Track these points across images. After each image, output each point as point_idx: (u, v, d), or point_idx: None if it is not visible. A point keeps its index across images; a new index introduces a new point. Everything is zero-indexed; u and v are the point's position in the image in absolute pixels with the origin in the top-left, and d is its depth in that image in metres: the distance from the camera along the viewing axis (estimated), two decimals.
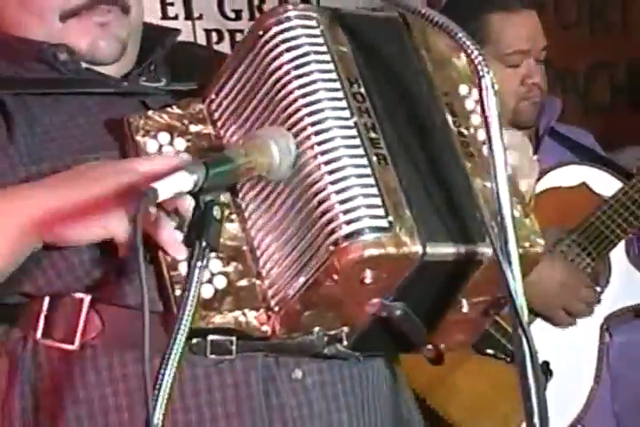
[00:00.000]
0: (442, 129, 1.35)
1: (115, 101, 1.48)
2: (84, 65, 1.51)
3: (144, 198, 1.12)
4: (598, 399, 2.40)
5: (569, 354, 2.39)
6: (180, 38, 1.69)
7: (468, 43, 1.20)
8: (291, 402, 1.40)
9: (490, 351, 2.16)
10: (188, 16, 3.12)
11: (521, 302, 1.18)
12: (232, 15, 3.25)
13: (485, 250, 1.28)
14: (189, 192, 1.17)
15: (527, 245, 1.30)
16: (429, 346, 1.39)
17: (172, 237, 1.31)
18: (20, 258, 1.35)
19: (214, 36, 3.15)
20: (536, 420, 1.16)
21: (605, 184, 2.47)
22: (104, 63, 1.52)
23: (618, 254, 2.47)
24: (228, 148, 1.36)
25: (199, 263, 1.16)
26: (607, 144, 2.80)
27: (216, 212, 1.20)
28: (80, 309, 1.38)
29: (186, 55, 1.63)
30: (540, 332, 2.34)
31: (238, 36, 3.14)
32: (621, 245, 2.46)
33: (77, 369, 1.38)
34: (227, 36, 3.21)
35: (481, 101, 1.19)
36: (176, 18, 3.10)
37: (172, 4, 3.10)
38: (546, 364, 2.29)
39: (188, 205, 1.23)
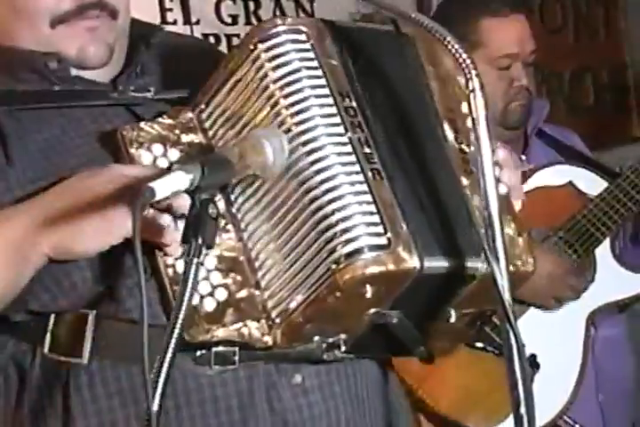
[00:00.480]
0: (436, 141, 1.34)
1: (105, 111, 1.47)
2: (73, 72, 1.49)
3: (141, 197, 1.11)
4: (584, 390, 2.40)
5: (556, 347, 2.39)
6: None
7: (456, 46, 1.20)
8: (292, 406, 1.41)
9: (480, 345, 2.16)
10: (187, 21, 3.12)
11: (509, 300, 1.19)
12: (229, 20, 3.24)
13: (479, 265, 1.28)
14: (186, 191, 1.17)
15: (519, 263, 1.30)
16: (421, 349, 1.40)
17: (170, 238, 1.30)
18: (25, 278, 1.35)
19: (212, 41, 3.13)
20: (522, 410, 1.16)
21: (591, 183, 2.47)
22: (93, 68, 1.50)
23: (603, 252, 2.47)
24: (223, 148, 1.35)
25: (195, 259, 1.15)
26: (591, 144, 2.80)
27: (212, 210, 1.19)
28: (85, 324, 1.37)
29: (177, 51, 1.60)
30: (529, 326, 2.34)
31: (235, 40, 3.14)
32: (606, 243, 2.46)
33: (85, 382, 1.37)
34: (224, 40, 3.20)
35: (469, 102, 1.19)
36: (175, 23, 3.09)
37: (170, 10, 3.09)
38: (533, 357, 2.30)
39: (184, 203, 1.23)
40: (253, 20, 3.26)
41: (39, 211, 1.33)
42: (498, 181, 1.28)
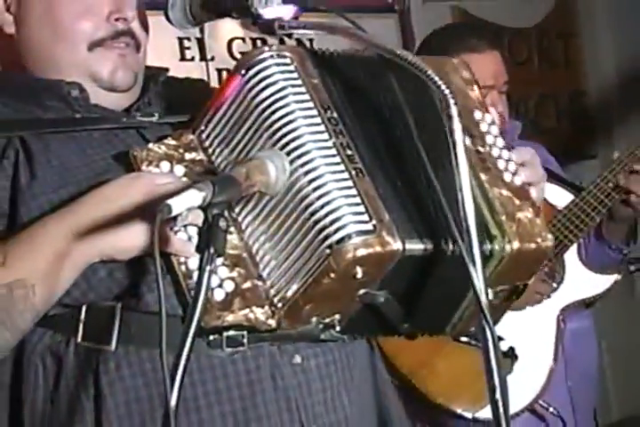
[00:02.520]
0: (409, 141, 1.33)
1: (117, 133, 1.47)
2: (92, 101, 1.49)
3: (159, 214, 1.12)
4: (555, 377, 2.39)
5: (531, 341, 2.39)
6: (195, 76, 1.67)
7: (435, 79, 1.20)
8: (293, 383, 1.41)
9: (464, 339, 2.15)
10: (203, 58, 3.13)
11: (484, 299, 1.17)
12: (239, 56, 3.22)
13: (449, 247, 1.28)
14: (199, 207, 1.17)
15: (539, 240, 1.31)
16: (405, 325, 1.38)
17: (184, 246, 1.31)
18: (68, 282, 1.36)
19: (224, 75, 3.14)
20: (498, 395, 1.16)
21: (559, 197, 2.45)
22: (120, 90, 1.51)
23: (571, 256, 2.47)
24: (220, 170, 1.36)
25: (208, 267, 1.16)
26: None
27: (222, 223, 1.19)
28: (113, 315, 1.37)
29: (178, 89, 1.61)
30: (509, 323, 2.32)
31: None
32: (574, 249, 2.45)
33: (113, 365, 1.37)
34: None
35: (449, 126, 1.19)
36: (192, 59, 3.12)
37: (189, 48, 3.11)
38: (512, 349, 2.29)
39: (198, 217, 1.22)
40: None
41: (77, 220, 1.33)
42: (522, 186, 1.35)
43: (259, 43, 3.25)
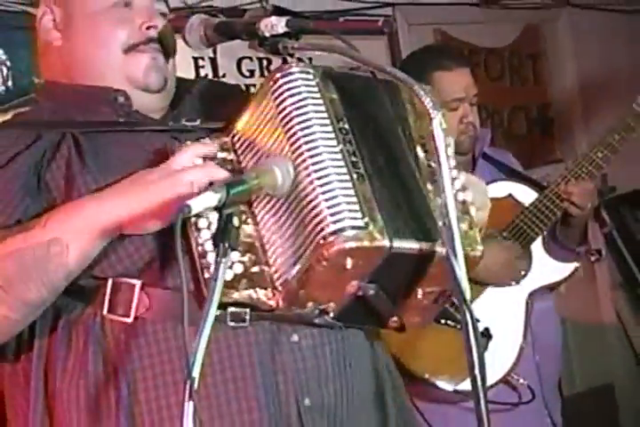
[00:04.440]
0: (405, 155, 1.34)
1: (154, 136, 1.47)
2: (134, 108, 1.50)
3: (181, 213, 1.14)
4: (525, 353, 2.38)
5: (504, 322, 2.37)
6: None
7: (421, 93, 1.21)
8: (289, 359, 1.40)
9: (444, 321, 2.15)
10: (215, 75, 3.11)
11: (465, 287, 1.18)
12: (247, 73, 3.23)
13: (438, 248, 1.27)
14: (215, 207, 1.18)
15: (469, 249, 1.29)
16: (394, 318, 1.37)
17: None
18: (98, 250, 1.37)
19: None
20: (476, 371, 1.17)
21: (526, 195, 2.45)
22: (152, 90, 1.51)
23: (536, 247, 2.45)
24: (245, 171, 1.35)
25: (224, 259, 1.18)
26: (524, 164, 2.81)
27: (235, 221, 1.21)
28: (133, 291, 1.37)
29: (216, 94, 1.62)
30: (484, 306, 2.33)
31: (252, 89, 3.12)
32: (539, 240, 2.44)
33: (133, 335, 1.37)
34: (244, 88, 3.20)
35: (432, 134, 1.20)
36: (206, 76, 3.09)
37: (203, 67, 3.09)
38: (487, 329, 2.29)
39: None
40: (266, 73, 3.26)
41: (111, 198, 1.34)
42: (463, 201, 1.33)
43: (264, 62, 3.25)
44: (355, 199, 1.24)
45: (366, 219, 1.23)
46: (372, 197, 1.26)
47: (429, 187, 1.32)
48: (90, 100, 1.50)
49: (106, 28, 1.50)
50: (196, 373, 1.12)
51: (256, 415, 1.37)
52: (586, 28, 4.21)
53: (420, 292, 1.34)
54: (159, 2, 1.55)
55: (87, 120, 1.50)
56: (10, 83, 2.73)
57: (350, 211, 1.23)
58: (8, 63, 2.74)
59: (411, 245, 1.26)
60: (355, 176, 1.26)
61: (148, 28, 1.51)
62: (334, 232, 1.22)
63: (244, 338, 1.38)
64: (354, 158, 1.28)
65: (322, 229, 1.23)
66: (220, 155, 1.39)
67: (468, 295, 1.18)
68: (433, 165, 1.34)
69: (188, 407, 1.10)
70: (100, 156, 1.43)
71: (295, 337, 1.41)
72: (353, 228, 1.22)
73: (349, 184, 1.25)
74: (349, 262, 1.24)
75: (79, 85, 1.52)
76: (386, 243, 1.23)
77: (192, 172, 1.32)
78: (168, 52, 1.54)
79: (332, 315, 1.35)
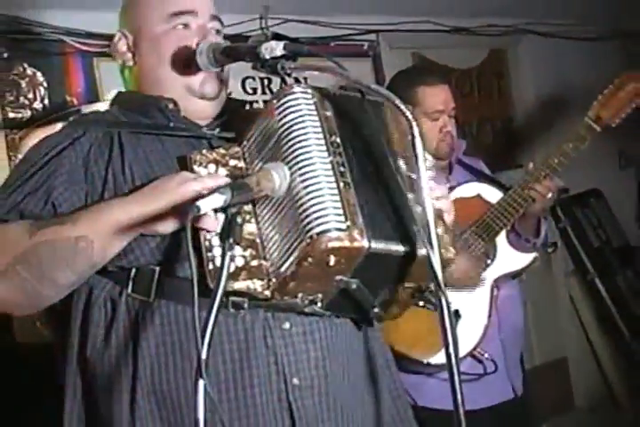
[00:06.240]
0: (389, 166, 1.32)
1: (193, 140, 1.49)
2: (182, 113, 1.52)
3: (190, 212, 1.14)
4: (490, 332, 2.37)
5: (472, 304, 2.37)
6: None
7: (401, 106, 1.20)
8: (280, 343, 1.39)
9: (421, 303, 2.13)
10: None
11: (440, 275, 1.19)
12: (251, 91, 3.23)
13: (415, 250, 1.26)
14: (221, 207, 1.18)
15: (443, 251, 1.28)
16: (375, 310, 1.37)
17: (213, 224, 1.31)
18: (122, 246, 1.37)
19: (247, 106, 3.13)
20: (451, 349, 1.18)
21: (492, 195, 2.44)
22: (208, 98, 1.53)
23: (501, 239, 2.44)
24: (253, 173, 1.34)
25: (229, 253, 1.17)
26: (491, 169, 2.78)
27: (239, 219, 1.21)
28: (153, 276, 1.38)
29: (244, 114, 1.62)
30: (454, 292, 2.32)
31: (255, 105, 3.11)
32: (503, 233, 2.43)
33: (149, 313, 1.38)
34: (247, 105, 3.18)
35: (412, 142, 1.20)
36: None
37: None
38: (457, 311, 2.29)
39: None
40: (267, 91, 3.25)
41: (134, 203, 1.34)
42: (439, 209, 1.33)
43: (266, 81, 3.24)
44: (339, 204, 1.23)
45: (348, 222, 1.22)
46: (355, 203, 1.25)
47: (410, 196, 1.31)
48: (146, 106, 1.52)
49: (167, 48, 1.52)
50: (203, 354, 1.12)
51: (249, 392, 1.37)
52: (543, 53, 4.23)
53: (398, 287, 1.34)
54: (213, 21, 1.55)
55: (137, 122, 1.52)
56: (46, 101, 2.75)
57: (335, 215, 1.22)
58: (45, 84, 2.75)
59: (388, 246, 1.25)
60: (341, 184, 1.25)
61: None
62: (320, 233, 1.21)
63: (241, 324, 1.38)
64: (342, 169, 1.27)
65: (310, 230, 1.22)
66: (232, 162, 1.39)
67: (444, 288, 1.18)
68: (413, 176, 1.33)
69: (200, 386, 1.11)
70: (139, 153, 1.45)
71: (287, 324, 1.40)
72: (336, 230, 1.21)
73: (336, 191, 1.25)
74: (332, 260, 1.23)
75: (140, 94, 1.55)
76: (365, 244, 1.22)
77: (202, 181, 1.32)
78: (221, 79, 1.55)
79: (320, 305, 1.34)
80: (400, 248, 1.26)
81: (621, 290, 4.22)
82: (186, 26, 1.53)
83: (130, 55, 1.56)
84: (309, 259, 1.23)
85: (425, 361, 2.27)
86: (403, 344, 2.22)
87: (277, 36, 1.37)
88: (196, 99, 1.52)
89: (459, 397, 1.17)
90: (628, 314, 4.16)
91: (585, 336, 4.32)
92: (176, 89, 1.52)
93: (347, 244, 1.21)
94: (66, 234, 1.33)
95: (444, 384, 1.18)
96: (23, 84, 2.72)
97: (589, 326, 4.30)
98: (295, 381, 1.39)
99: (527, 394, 2.53)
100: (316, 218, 1.23)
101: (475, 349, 2.34)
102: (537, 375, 3.69)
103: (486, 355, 2.36)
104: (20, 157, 1.62)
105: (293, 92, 1.33)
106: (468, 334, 2.33)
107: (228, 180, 1.33)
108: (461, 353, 2.28)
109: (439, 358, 2.24)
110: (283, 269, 1.27)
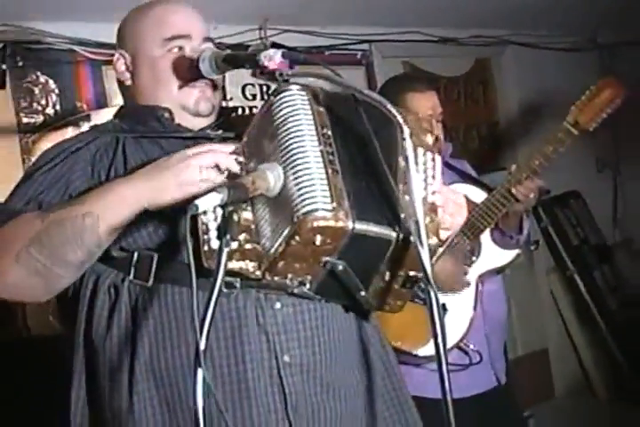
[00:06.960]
0: (380, 158, 1.31)
1: (189, 143, 1.48)
2: (176, 122, 1.53)
3: (189, 211, 1.13)
4: (475, 324, 2.37)
5: (458, 298, 2.36)
6: None
7: (392, 110, 1.20)
8: (271, 322, 1.39)
9: (412, 299, 2.13)
10: (223, 98, 3.08)
11: (429, 269, 1.16)
12: (250, 97, 3.22)
13: (398, 234, 1.25)
14: (219, 205, 1.18)
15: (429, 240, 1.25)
16: (362, 293, 1.34)
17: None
18: (127, 222, 1.35)
19: (239, 111, 3.12)
20: (440, 340, 1.16)
21: (477, 195, 2.43)
22: (202, 115, 1.54)
23: (485, 237, 2.44)
24: (250, 171, 1.34)
25: (226, 249, 1.16)
26: (476, 171, 2.77)
27: (236, 217, 1.21)
28: (152, 262, 1.39)
29: (240, 119, 1.64)
30: (441, 294, 2.31)
31: (254, 110, 3.11)
32: (487, 231, 2.43)
33: (149, 296, 1.39)
34: (247, 110, 3.17)
35: (401, 143, 1.21)
36: None
37: None
38: (444, 305, 2.28)
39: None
40: (266, 97, 3.24)
41: (138, 179, 1.33)
42: (432, 202, 1.33)
43: (265, 87, 3.24)
44: (327, 187, 1.23)
45: (334, 204, 1.21)
46: (342, 188, 1.24)
47: (401, 187, 1.30)
48: (144, 115, 1.54)
49: (163, 71, 1.53)
50: (202, 344, 1.11)
51: (241, 367, 1.37)
52: (525, 62, 4.23)
53: (387, 274, 1.32)
54: (205, 43, 1.56)
55: (137, 128, 1.54)
56: (58, 107, 2.76)
57: (322, 197, 1.22)
58: (57, 91, 2.76)
59: (372, 228, 1.24)
60: (330, 171, 1.24)
61: None
62: (306, 213, 1.21)
63: (234, 303, 1.38)
64: (331, 157, 1.27)
65: (297, 210, 1.21)
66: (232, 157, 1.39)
67: (432, 277, 1.16)
68: (403, 166, 1.32)
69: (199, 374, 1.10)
70: (141, 153, 1.48)
71: (278, 305, 1.40)
72: (323, 210, 1.21)
73: (324, 176, 1.24)
74: (318, 239, 1.22)
75: (138, 105, 1.57)
76: (349, 224, 1.21)
77: (201, 157, 1.32)
78: (215, 84, 1.55)
79: (308, 287, 1.33)
80: (385, 232, 1.25)
81: (598, 285, 4.22)
82: (181, 48, 1.53)
83: (128, 75, 1.57)
84: (296, 237, 1.22)
85: (414, 353, 2.26)
86: (393, 337, 2.20)
87: (275, 45, 1.37)
88: (191, 116, 1.54)
89: (447, 385, 1.16)
90: (604, 308, 4.16)
91: (565, 329, 4.33)
92: (172, 108, 1.53)
93: (331, 223, 1.20)
94: (74, 213, 1.34)
95: (431, 374, 1.17)
96: (36, 90, 2.73)
97: (569, 319, 4.31)
98: (286, 358, 1.39)
99: (510, 383, 2.53)
100: (304, 200, 1.22)
101: (461, 341, 2.34)
102: (520, 365, 3.70)
103: (472, 346, 2.35)
104: (34, 159, 1.64)
105: (290, 90, 1.33)
106: (455, 326, 2.32)
107: (229, 157, 1.33)
108: (448, 345, 2.28)
109: (427, 349, 2.24)
110: (273, 249, 1.26)
